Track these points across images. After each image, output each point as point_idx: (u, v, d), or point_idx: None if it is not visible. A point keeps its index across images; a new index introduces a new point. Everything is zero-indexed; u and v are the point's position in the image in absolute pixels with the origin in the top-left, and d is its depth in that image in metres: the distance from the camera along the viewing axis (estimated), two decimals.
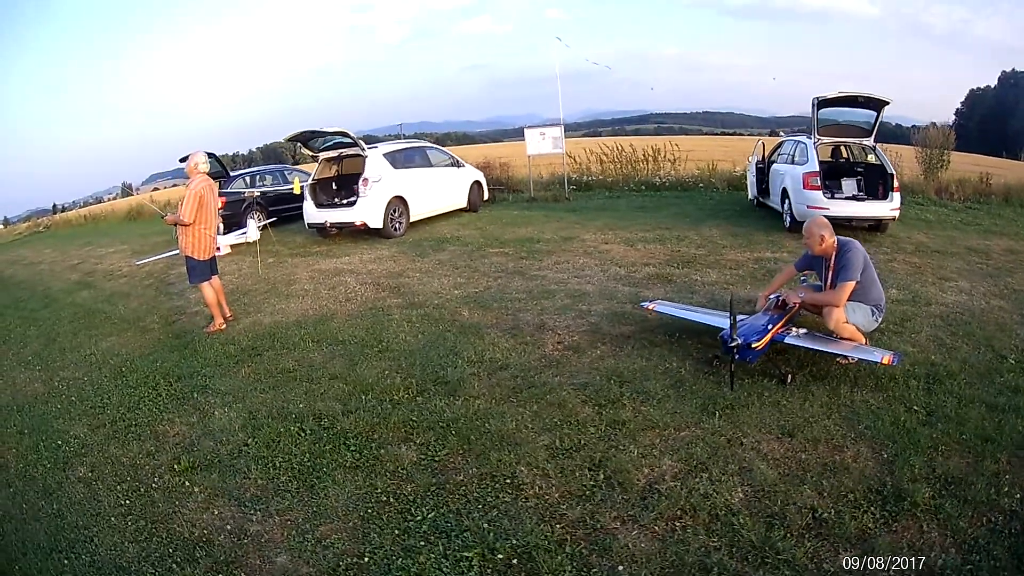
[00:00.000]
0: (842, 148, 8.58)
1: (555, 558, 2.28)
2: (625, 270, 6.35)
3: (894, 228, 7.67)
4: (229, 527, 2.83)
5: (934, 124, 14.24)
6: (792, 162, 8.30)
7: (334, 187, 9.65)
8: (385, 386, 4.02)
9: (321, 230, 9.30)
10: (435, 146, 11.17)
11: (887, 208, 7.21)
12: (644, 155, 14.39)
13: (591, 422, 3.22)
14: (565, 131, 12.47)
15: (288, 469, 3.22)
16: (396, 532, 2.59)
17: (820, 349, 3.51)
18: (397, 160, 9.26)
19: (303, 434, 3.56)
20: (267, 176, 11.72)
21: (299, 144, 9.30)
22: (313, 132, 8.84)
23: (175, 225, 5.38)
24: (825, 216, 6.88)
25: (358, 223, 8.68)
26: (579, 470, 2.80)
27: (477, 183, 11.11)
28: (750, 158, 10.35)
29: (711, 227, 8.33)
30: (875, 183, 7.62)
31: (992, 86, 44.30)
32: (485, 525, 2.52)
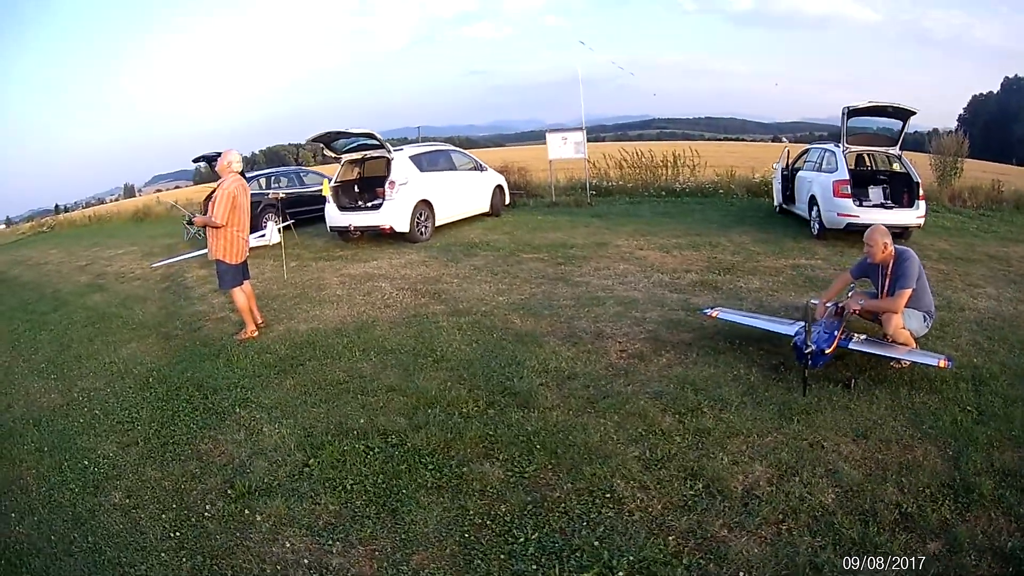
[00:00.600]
0: (866, 156, 8.54)
1: (674, 570, 2.20)
2: (668, 277, 6.20)
3: (917, 235, 7.65)
4: (306, 561, 2.45)
5: (949, 131, 14.20)
6: (819, 170, 8.28)
7: (356, 190, 9.29)
8: (451, 399, 3.72)
9: (342, 233, 8.95)
10: (458, 149, 10.85)
11: (913, 216, 7.25)
12: (664, 161, 14.16)
13: (676, 431, 3.13)
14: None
15: (362, 492, 2.86)
16: (502, 557, 2.36)
17: (880, 354, 3.61)
18: (423, 163, 8.95)
19: (371, 453, 3.19)
20: (282, 178, 11.32)
21: (322, 145, 8.93)
22: (338, 133, 8.50)
23: (204, 227, 4.99)
24: (853, 224, 7.23)
25: (384, 227, 8.32)
26: (676, 480, 2.72)
27: (499, 187, 10.82)
28: (775, 165, 10.28)
29: (740, 233, 8.28)
30: (900, 191, 7.67)
31: (995, 92, 44.29)
32: (595, 543, 2.37)
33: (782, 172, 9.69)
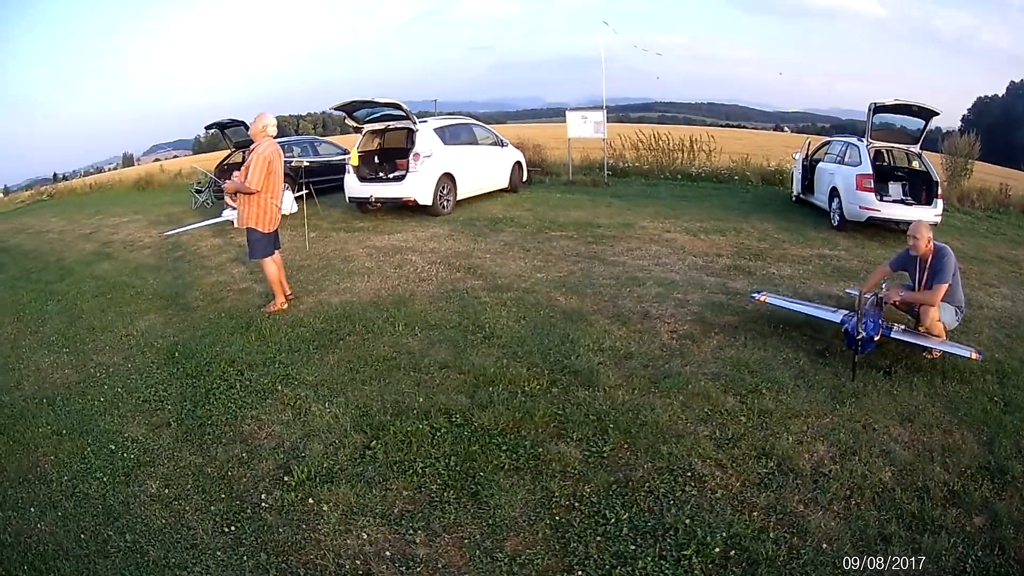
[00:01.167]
0: (883, 152, 8.53)
1: (764, 545, 2.21)
2: (701, 260, 6.15)
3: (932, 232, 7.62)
4: (388, 553, 2.21)
5: (962, 132, 13.99)
6: (842, 162, 8.28)
7: (376, 161, 8.87)
8: (511, 376, 3.51)
9: (361, 205, 8.58)
10: (479, 123, 10.44)
11: (931, 213, 7.25)
12: (681, 144, 13.83)
13: (740, 412, 3.13)
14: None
15: (436, 476, 2.62)
16: (597, 538, 2.28)
17: (919, 343, 3.75)
18: (446, 136, 8.57)
19: (437, 433, 2.93)
20: (295, 147, 10.84)
21: (344, 114, 8.50)
22: (363, 102, 8.08)
23: (235, 193, 4.62)
24: (874, 217, 7.38)
25: (406, 198, 7.95)
26: (749, 459, 2.74)
27: (518, 163, 10.45)
28: (795, 155, 10.30)
29: (761, 220, 8.23)
30: (918, 188, 7.76)
31: (1000, 95, 43.91)
32: (687, 520, 2.35)
33: (803, 162, 9.68)
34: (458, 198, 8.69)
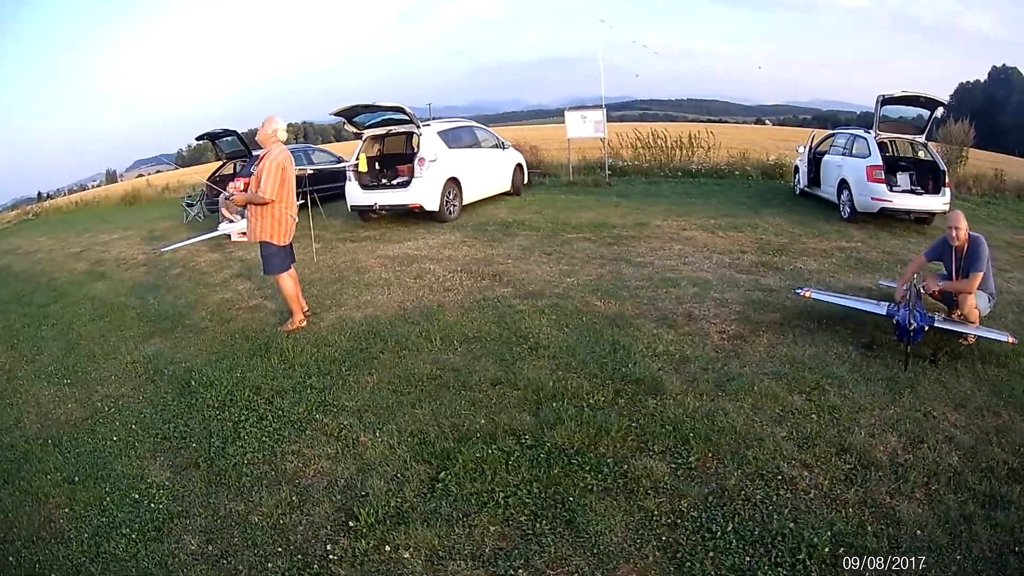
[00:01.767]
0: (888, 143, 8.54)
1: (867, 539, 2.21)
2: (728, 258, 6.01)
3: (937, 221, 7.68)
4: None
5: (956, 119, 14.14)
6: (849, 154, 8.29)
7: (377, 167, 8.53)
8: (573, 390, 3.27)
9: (363, 213, 8.24)
10: (480, 125, 10.15)
11: (940, 202, 7.34)
12: (679, 141, 13.72)
13: (810, 410, 3.09)
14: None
15: (521, 506, 2.36)
16: (711, 554, 2.17)
17: (960, 331, 3.82)
18: (449, 139, 8.26)
19: (511, 458, 2.66)
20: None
21: (344, 120, 8.13)
22: (364, 107, 7.71)
23: (245, 205, 4.30)
24: (887, 208, 7.34)
25: (413, 205, 7.62)
26: (831, 456, 2.72)
27: (519, 166, 10.20)
28: (799, 149, 10.34)
29: (772, 215, 8.14)
30: (925, 178, 7.79)
31: (982, 80, 44.32)
32: (791, 525, 2.29)
33: (807, 156, 9.68)
34: (464, 203, 8.39)
